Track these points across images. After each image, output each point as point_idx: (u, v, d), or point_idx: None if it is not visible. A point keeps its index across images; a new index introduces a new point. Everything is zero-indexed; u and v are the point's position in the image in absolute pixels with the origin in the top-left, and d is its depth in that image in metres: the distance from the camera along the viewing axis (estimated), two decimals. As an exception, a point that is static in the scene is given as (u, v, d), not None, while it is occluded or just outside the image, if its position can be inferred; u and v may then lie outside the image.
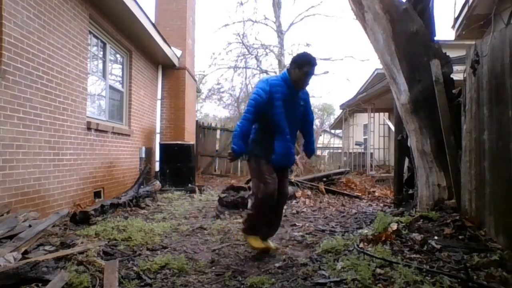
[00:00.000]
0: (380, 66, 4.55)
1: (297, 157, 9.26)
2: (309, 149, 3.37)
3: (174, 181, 7.29)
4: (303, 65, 2.85)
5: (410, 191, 4.22)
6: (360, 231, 3.70)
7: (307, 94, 3.17)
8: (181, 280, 2.48)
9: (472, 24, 5.34)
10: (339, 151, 15.72)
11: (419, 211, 3.51)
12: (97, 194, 5.45)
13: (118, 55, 6.72)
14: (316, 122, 23.25)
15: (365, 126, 14.01)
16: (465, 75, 3.23)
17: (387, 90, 7.62)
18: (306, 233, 3.76)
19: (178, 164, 7.44)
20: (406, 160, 4.42)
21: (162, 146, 7.73)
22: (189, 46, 9.37)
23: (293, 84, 2.91)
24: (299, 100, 3.01)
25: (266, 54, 15.93)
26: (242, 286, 2.39)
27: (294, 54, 3.48)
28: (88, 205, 4.83)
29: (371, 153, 12.51)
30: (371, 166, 11.91)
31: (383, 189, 7.35)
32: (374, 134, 12.59)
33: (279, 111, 2.87)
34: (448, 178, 3.37)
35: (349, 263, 2.60)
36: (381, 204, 5.73)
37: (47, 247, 2.94)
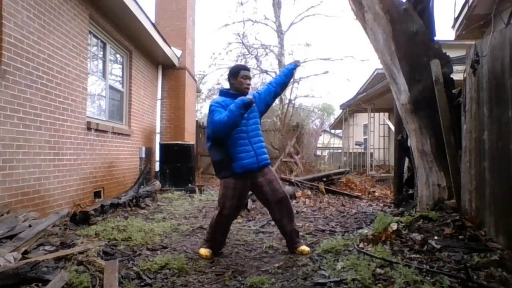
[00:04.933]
0: (380, 66, 4.55)
1: (297, 157, 9.26)
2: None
3: (174, 181, 7.29)
4: (238, 72, 3.09)
5: (410, 191, 4.22)
6: (360, 231, 3.70)
7: (253, 96, 3.20)
8: (181, 280, 2.48)
9: (472, 24, 5.35)
10: (339, 151, 15.72)
11: (419, 211, 3.51)
12: (97, 194, 5.45)
13: (118, 55, 6.72)
14: (316, 122, 23.25)
15: (365, 126, 14.02)
16: (465, 75, 3.23)
17: (387, 90, 7.62)
18: (306, 233, 3.76)
19: (178, 164, 7.44)
20: (406, 160, 4.42)
21: (162, 146, 7.73)
22: (189, 46, 9.37)
23: (239, 93, 3.05)
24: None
25: (266, 54, 15.95)
26: (242, 286, 2.39)
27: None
28: (88, 205, 4.83)
29: (371, 153, 12.51)
30: (371, 166, 11.91)
31: (383, 189, 7.35)
32: (374, 134, 12.59)
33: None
34: (448, 178, 3.38)
35: (349, 263, 2.60)
36: (381, 204, 5.73)
37: (47, 247, 2.94)
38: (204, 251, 3.02)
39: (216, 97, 3.19)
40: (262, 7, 29.50)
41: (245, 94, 3.08)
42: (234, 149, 2.97)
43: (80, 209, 4.29)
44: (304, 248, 3.06)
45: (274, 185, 3.04)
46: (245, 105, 2.87)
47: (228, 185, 2.99)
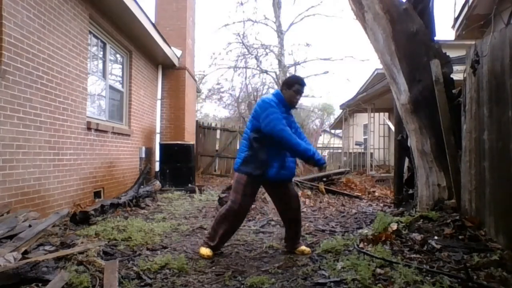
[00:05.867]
0: (380, 66, 4.55)
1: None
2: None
3: (174, 181, 7.29)
4: (293, 84, 3.06)
5: (410, 191, 4.22)
6: (360, 231, 3.70)
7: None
8: (181, 280, 2.48)
9: (472, 24, 5.34)
10: (339, 151, 15.72)
11: (419, 211, 3.51)
12: (97, 194, 5.45)
13: (118, 55, 6.72)
14: (316, 122, 23.25)
15: (365, 126, 14.01)
16: (465, 75, 3.23)
17: (387, 90, 7.62)
18: (306, 233, 3.76)
19: (178, 164, 7.44)
20: (406, 160, 4.42)
21: (162, 146, 7.73)
22: (189, 46, 9.37)
23: (287, 103, 3.06)
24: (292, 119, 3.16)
25: (266, 54, 15.91)
26: (242, 286, 2.39)
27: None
28: (88, 205, 4.83)
29: (371, 153, 12.51)
30: (371, 166, 11.91)
31: (383, 189, 7.35)
32: (374, 134, 12.59)
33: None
34: (448, 178, 3.38)
35: (349, 263, 2.60)
36: (381, 204, 5.73)
37: (47, 247, 2.94)
38: (205, 251, 3.02)
39: (269, 96, 3.08)
40: (262, 7, 29.45)
41: (292, 107, 3.11)
42: (275, 156, 2.92)
43: (80, 209, 4.28)
44: (305, 248, 3.07)
45: (289, 186, 3.11)
46: (311, 156, 2.85)
47: (248, 183, 2.95)
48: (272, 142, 2.89)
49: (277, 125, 2.83)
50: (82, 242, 3.13)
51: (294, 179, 6.62)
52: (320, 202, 5.80)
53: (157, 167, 8.05)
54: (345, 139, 15.64)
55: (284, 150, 2.93)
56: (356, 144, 14.70)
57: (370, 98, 11.31)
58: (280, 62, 15.39)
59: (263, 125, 2.87)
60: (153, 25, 7.00)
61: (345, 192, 6.55)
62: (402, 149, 4.43)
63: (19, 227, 3.02)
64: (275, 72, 15.13)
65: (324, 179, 6.85)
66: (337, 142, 20.02)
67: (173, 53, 8.29)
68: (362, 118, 15.29)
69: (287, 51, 16.13)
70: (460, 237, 2.84)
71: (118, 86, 6.70)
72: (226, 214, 3.00)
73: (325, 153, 16.15)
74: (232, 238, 3.57)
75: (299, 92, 3.08)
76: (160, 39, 7.34)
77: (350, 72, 43.54)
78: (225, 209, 3.02)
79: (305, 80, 3.20)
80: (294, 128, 3.14)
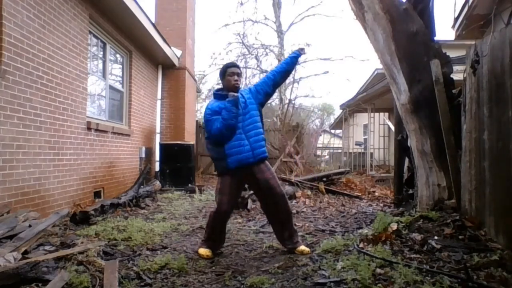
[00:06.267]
0: (380, 66, 4.55)
1: (297, 157, 9.25)
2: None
3: (174, 181, 7.29)
4: (225, 71, 3.13)
5: (410, 191, 4.22)
6: (360, 231, 3.70)
7: (249, 90, 3.22)
8: (181, 280, 2.48)
9: (472, 24, 5.35)
10: (339, 151, 15.72)
11: (419, 211, 3.51)
12: (97, 194, 5.45)
13: (118, 55, 6.72)
14: (316, 122, 23.25)
15: (365, 126, 14.01)
16: (465, 75, 3.23)
17: (387, 90, 7.62)
18: (306, 233, 3.76)
19: (178, 164, 7.44)
20: (406, 160, 4.42)
21: (162, 146, 7.73)
22: (189, 46, 9.36)
23: (230, 91, 3.06)
24: (243, 100, 3.10)
25: (266, 54, 15.94)
26: (242, 286, 2.39)
27: None
28: (88, 205, 4.83)
29: (371, 153, 12.51)
30: (371, 166, 11.91)
31: (383, 189, 7.35)
32: (374, 134, 12.59)
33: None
34: (448, 178, 3.37)
35: (349, 263, 2.60)
36: (381, 204, 5.73)
37: (47, 247, 2.94)
38: (203, 251, 3.02)
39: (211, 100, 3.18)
40: (262, 7, 29.50)
41: (236, 91, 3.07)
42: (229, 144, 2.97)
43: (80, 209, 4.29)
44: (304, 248, 3.06)
45: (271, 184, 3.02)
46: (233, 105, 2.91)
47: (223, 181, 3.04)
48: (216, 140, 3.02)
49: (212, 129, 2.97)
50: (82, 242, 3.13)
51: (294, 179, 6.63)
52: (320, 202, 5.80)
53: (157, 167, 8.05)
54: (345, 139, 15.63)
55: (229, 136, 2.96)
56: (356, 144, 14.70)
57: (370, 98, 11.31)
58: (280, 62, 15.40)
59: (208, 135, 3.08)
60: (153, 25, 7.00)
61: (345, 192, 6.55)
62: (402, 149, 4.42)
63: (19, 227, 3.02)
64: (275, 72, 15.11)
65: (324, 179, 6.85)
66: (337, 142, 20.02)
67: (173, 53, 8.29)
68: (362, 118, 15.29)
69: (287, 51, 16.13)
70: (460, 237, 2.84)
71: (118, 86, 6.70)
72: (210, 215, 3.12)
73: (325, 153, 16.15)
74: (232, 238, 3.58)
75: (233, 73, 3.09)
76: (160, 39, 7.34)
77: (350, 72, 43.58)
78: (211, 211, 3.15)
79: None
80: (251, 106, 3.09)
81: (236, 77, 3.10)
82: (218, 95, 3.14)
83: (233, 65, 3.20)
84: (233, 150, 2.96)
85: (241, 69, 3.34)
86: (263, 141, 3.11)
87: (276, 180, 3.09)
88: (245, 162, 2.97)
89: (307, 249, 3.06)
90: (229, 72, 3.10)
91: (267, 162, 3.13)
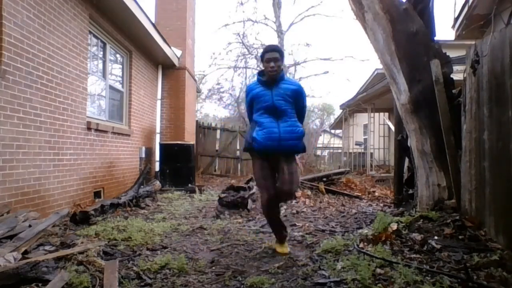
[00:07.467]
0: (380, 66, 4.55)
1: (297, 157, 9.25)
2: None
3: (174, 181, 7.29)
4: (263, 56, 3.09)
5: (410, 191, 4.22)
6: (360, 231, 3.70)
7: (295, 87, 3.11)
8: (181, 280, 2.48)
9: (472, 24, 5.35)
10: (339, 151, 15.73)
11: (419, 211, 3.51)
12: (97, 194, 5.45)
13: (118, 55, 6.72)
14: (316, 122, 23.26)
15: (365, 126, 14.02)
16: (465, 75, 3.23)
17: (387, 90, 7.62)
18: (306, 233, 3.76)
19: (178, 164, 7.44)
20: (406, 160, 4.42)
21: (162, 146, 7.73)
22: (189, 46, 9.36)
23: (268, 76, 3.05)
24: (279, 90, 3.04)
25: (267, 54, 15.94)
26: (242, 286, 2.39)
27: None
28: (88, 205, 4.83)
29: (371, 153, 12.51)
30: (371, 166, 11.91)
31: (383, 189, 7.35)
32: (374, 134, 12.59)
33: (259, 105, 3.07)
34: (448, 178, 3.38)
35: (349, 263, 2.60)
36: (381, 204, 5.73)
37: (47, 247, 2.94)
38: (280, 249, 3.11)
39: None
40: (262, 7, 29.53)
41: (272, 78, 3.01)
42: (258, 129, 3.01)
43: (80, 209, 4.28)
44: (284, 249, 3.12)
45: (285, 174, 2.97)
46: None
47: (254, 161, 3.13)
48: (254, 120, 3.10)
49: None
50: (82, 242, 3.13)
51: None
52: (320, 202, 5.80)
53: (157, 167, 8.05)
54: (345, 139, 15.65)
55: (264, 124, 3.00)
56: (356, 144, 14.71)
57: (370, 98, 11.31)
58: (280, 62, 15.40)
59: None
60: (153, 25, 7.00)
61: (345, 192, 6.55)
62: (402, 149, 4.43)
63: (19, 227, 3.02)
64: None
65: (324, 179, 6.85)
66: (337, 142, 20.03)
67: (173, 53, 8.29)
68: (362, 118, 15.29)
69: (287, 51, 16.15)
70: (460, 237, 2.84)
71: (118, 86, 6.70)
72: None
73: (325, 153, 16.16)
74: (232, 238, 3.58)
75: (269, 60, 2.98)
76: (160, 39, 7.34)
77: (350, 72, 43.60)
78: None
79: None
80: (285, 99, 3.00)
81: (272, 64, 2.97)
82: (259, 79, 3.14)
83: (271, 49, 3.07)
84: (261, 134, 3.04)
85: (282, 51, 3.16)
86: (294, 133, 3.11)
87: (290, 174, 3.06)
88: (269, 149, 3.02)
89: (286, 250, 3.12)
90: (265, 58, 3.01)
91: (295, 156, 3.26)
